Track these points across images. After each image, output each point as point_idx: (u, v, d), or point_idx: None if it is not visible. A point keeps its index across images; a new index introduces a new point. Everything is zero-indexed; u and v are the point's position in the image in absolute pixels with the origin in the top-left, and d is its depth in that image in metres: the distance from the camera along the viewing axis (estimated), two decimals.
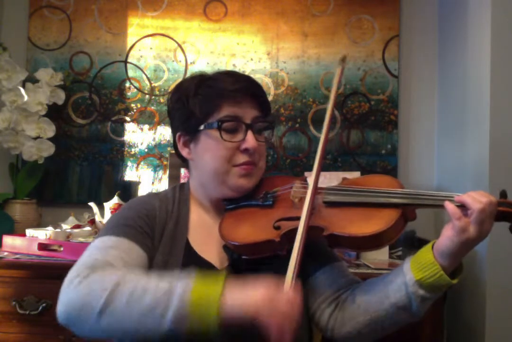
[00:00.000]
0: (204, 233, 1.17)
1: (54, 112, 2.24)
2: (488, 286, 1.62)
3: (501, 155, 1.63)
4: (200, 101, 1.13)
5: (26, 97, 2.10)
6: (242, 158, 1.12)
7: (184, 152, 1.19)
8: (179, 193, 1.21)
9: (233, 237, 1.09)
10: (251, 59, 2.30)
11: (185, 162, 1.24)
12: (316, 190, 1.07)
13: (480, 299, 1.65)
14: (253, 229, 1.10)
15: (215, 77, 1.16)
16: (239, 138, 1.12)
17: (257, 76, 2.27)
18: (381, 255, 1.89)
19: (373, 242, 1.01)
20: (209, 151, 1.13)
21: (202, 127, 1.13)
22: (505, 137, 1.64)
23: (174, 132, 1.21)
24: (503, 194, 0.99)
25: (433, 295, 0.99)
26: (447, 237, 0.96)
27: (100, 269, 0.92)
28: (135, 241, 1.05)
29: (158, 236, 1.11)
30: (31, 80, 2.19)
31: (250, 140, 1.12)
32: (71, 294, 0.88)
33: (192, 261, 1.11)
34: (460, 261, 0.99)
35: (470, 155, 1.82)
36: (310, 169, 2.17)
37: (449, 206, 0.96)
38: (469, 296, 1.74)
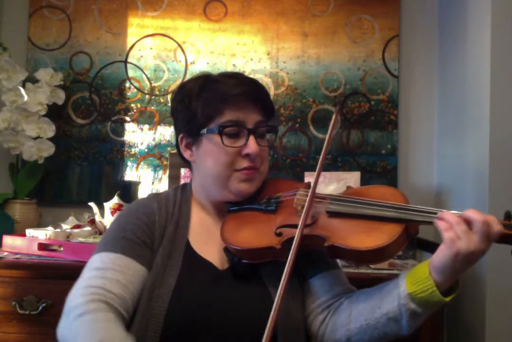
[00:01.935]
0: (205, 234, 1.17)
1: (54, 112, 2.23)
2: (488, 287, 1.61)
3: (501, 156, 1.63)
4: (202, 104, 1.13)
5: (26, 97, 2.10)
6: (243, 163, 1.12)
7: (186, 154, 1.19)
8: (180, 194, 1.21)
9: (234, 241, 1.08)
10: (251, 59, 2.30)
11: (187, 164, 1.23)
12: (308, 214, 1.04)
13: (480, 299, 1.65)
14: (254, 234, 1.09)
15: (219, 80, 1.15)
16: (241, 143, 1.12)
17: (257, 76, 2.27)
18: None
19: (374, 256, 1.00)
20: (210, 155, 1.13)
21: (204, 131, 1.12)
22: (505, 138, 1.63)
23: (177, 133, 1.21)
24: (508, 216, 0.97)
25: (424, 311, 0.98)
26: (440, 250, 0.95)
27: (93, 308, 0.93)
28: (132, 256, 1.06)
29: (157, 239, 1.11)
30: (31, 80, 2.19)
31: (251, 145, 1.11)
32: (65, 330, 0.94)
33: (193, 261, 1.11)
34: (455, 279, 0.98)
35: (470, 155, 1.82)
36: (310, 169, 2.20)
37: (436, 222, 0.96)
38: (469, 296, 1.74)
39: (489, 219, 0.93)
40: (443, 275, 0.95)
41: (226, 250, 1.10)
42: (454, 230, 0.93)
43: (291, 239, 1.03)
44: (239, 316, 1.05)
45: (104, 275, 1.01)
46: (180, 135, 1.18)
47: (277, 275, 1.08)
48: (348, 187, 1.15)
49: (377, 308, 1.02)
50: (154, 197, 1.20)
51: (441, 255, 0.94)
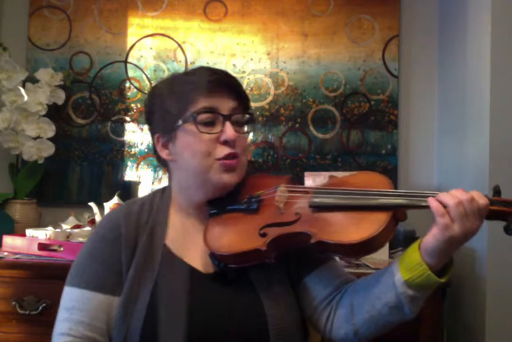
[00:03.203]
0: (186, 239, 1.13)
1: (54, 112, 2.23)
2: (488, 285, 1.62)
3: (501, 155, 1.63)
4: (175, 97, 1.10)
5: (26, 97, 2.10)
6: (223, 150, 1.08)
7: (164, 154, 1.14)
8: (159, 199, 1.18)
9: (219, 247, 1.04)
10: (251, 59, 2.30)
11: (164, 165, 1.19)
12: None
13: (480, 298, 1.65)
14: (238, 237, 1.05)
15: (189, 73, 1.14)
16: (217, 130, 1.08)
17: (257, 76, 2.28)
18: (381, 255, 1.89)
19: (364, 247, 0.97)
20: (188, 147, 1.09)
21: (179, 122, 1.09)
22: (505, 137, 1.64)
23: (152, 135, 1.17)
24: (496, 190, 0.97)
25: (422, 294, 0.98)
26: (432, 235, 0.95)
27: None
28: (96, 289, 1.07)
29: (127, 252, 1.09)
30: (31, 80, 2.19)
31: (228, 131, 1.07)
32: None
33: (172, 268, 1.08)
34: (448, 258, 0.98)
35: (470, 155, 1.82)
36: (310, 169, 2.19)
37: (433, 203, 0.94)
38: (469, 295, 1.75)
39: (474, 198, 0.93)
40: (436, 258, 0.95)
41: (212, 256, 1.06)
42: (449, 215, 0.93)
43: (276, 238, 1.00)
44: (226, 326, 1.03)
45: (70, 317, 1.05)
46: (156, 136, 1.14)
47: (267, 278, 1.07)
48: (331, 177, 1.11)
49: (377, 299, 1.02)
50: (124, 207, 1.17)
51: (434, 239, 0.94)
